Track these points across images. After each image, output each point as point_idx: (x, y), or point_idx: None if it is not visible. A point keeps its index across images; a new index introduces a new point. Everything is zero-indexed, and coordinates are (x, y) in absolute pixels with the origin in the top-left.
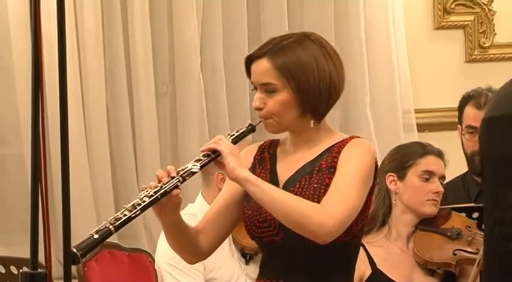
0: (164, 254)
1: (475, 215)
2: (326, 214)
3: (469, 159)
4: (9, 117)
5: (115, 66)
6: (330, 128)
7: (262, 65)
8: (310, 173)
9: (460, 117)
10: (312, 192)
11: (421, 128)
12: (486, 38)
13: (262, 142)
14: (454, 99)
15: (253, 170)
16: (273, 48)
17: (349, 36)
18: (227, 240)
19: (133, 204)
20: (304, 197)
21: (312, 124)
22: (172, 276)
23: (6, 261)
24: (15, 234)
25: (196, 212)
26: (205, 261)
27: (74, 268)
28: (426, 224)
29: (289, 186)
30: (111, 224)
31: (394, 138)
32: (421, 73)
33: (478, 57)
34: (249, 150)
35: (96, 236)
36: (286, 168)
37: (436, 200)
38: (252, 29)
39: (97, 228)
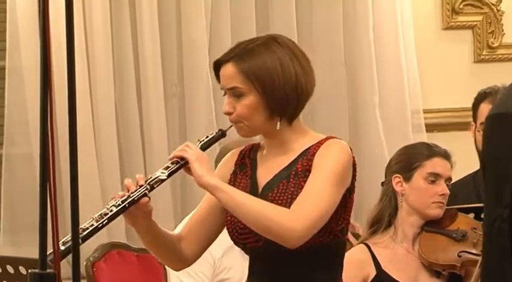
0: None
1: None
2: (294, 218)
3: None
4: (17, 116)
5: (124, 67)
6: (305, 129)
7: (229, 70)
8: (287, 177)
9: (474, 114)
10: (289, 196)
11: (430, 128)
12: (495, 38)
13: (243, 147)
14: (462, 99)
15: (234, 176)
16: (239, 53)
17: (358, 37)
18: None
19: (101, 214)
20: (281, 202)
21: (278, 126)
22: (178, 278)
23: (15, 261)
24: (24, 235)
25: None
26: (216, 262)
27: (82, 268)
28: (432, 225)
29: (267, 192)
30: None
31: (403, 139)
32: (429, 73)
33: (487, 57)
34: (232, 155)
35: (62, 248)
36: (265, 173)
37: (441, 203)
38: (260, 29)
39: (64, 239)
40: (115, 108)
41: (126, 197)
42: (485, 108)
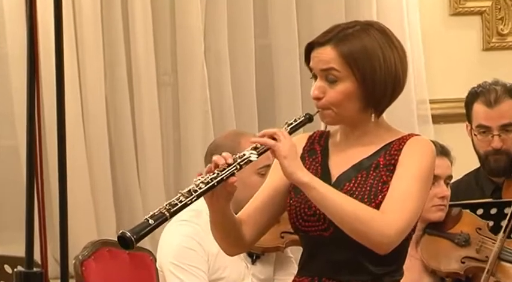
0: (167, 253)
1: (493, 210)
2: (388, 224)
3: (483, 159)
4: (2, 107)
5: (114, 54)
6: (388, 124)
7: (326, 53)
8: (367, 169)
9: (468, 115)
10: (368, 188)
11: (436, 119)
12: (504, 25)
13: (312, 133)
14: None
15: (302, 161)
16: (338, 36)
17: None
18: None
19: (189, 190)
20: (358, 193)
21: (373, 118)
22: (175, 275)
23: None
24: (10, 231)
25: (200, 208)
26: (210, 259)
27: (71, 267)
28: (434, 227)
29: (344, 181)
30: (166, 210)
31: (408, 131)
32: (436, 62)
33: (496, 44)
34: (298, 140)
35: (151, 221)
36: (340, 163)
37: (442, 205)
38: (258, 14)
39: (151, 213)
40: (105, 98)
41: (215, 174)
42: (478, 109)
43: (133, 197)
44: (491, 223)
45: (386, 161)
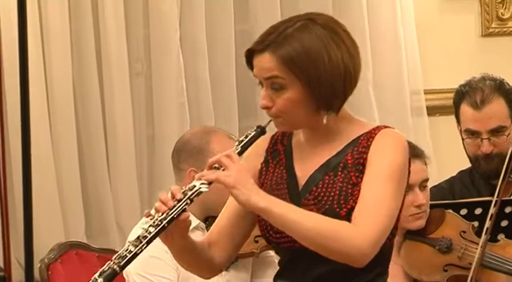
0: (133, 262)
1: (478, 210)
2: (359, 235)
3: (473, 162)
4: None
5: (82, 39)
6: (352, 116)
7: (266, 61)
8: (335, 169)
9: (457, 116)
10: (337, 192)
11: (432, 111)
12: (505, 9)
13: (275, 132)
14: (468, 78)
15: (266, 165)
16: (276, 40)
17: (349, 7)
18: None
19: (139, 237)
20: (327, 197)
21: (324, 120)
22: None
23: None
24: None
25: None
26: (180, 269)
27: (36, 271)
28: (415, 231)
29: (310, 186)
30: (116, 264)
31: (401, 123)
32: (431, 49)
33: (496, 30)
34: (261, 142)
35: (100, 281)
36: (305, 164)
37: (420, 213)
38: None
39: (101, 269)
40: (73, 89)
41: (164, 215)
42: (465, 112)
43: (104, 195)
44: (476, 224)
45: (354, 160)
